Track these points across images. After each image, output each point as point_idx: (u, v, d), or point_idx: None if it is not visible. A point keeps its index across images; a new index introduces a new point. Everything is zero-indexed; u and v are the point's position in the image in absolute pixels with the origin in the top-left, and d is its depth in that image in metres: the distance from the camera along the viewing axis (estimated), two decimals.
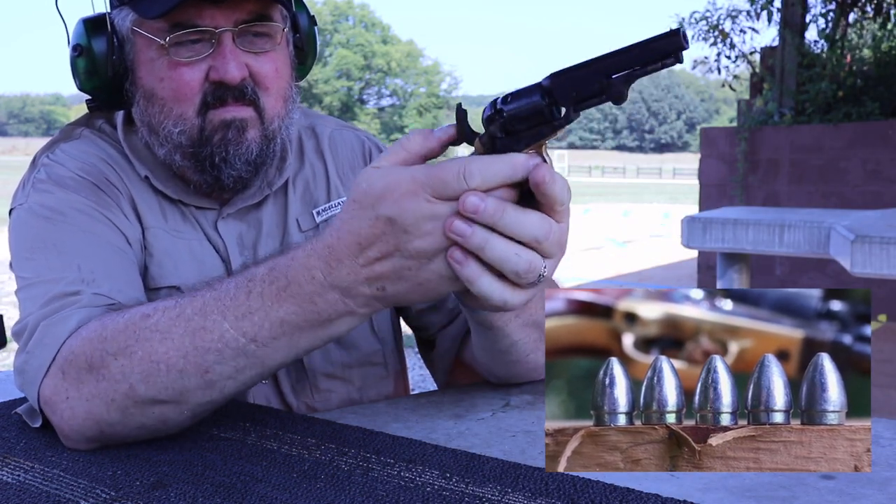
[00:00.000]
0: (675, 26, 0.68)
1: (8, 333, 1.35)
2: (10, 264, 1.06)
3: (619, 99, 0.68)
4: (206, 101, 1.05)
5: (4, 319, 1.71)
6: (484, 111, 0.75)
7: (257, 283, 0.81)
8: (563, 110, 0.71)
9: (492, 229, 0.72)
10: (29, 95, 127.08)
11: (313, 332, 0.81)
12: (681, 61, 0.66)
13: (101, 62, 1.08)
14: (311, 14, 1.19)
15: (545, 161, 0.74)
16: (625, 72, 0.68)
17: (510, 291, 0.75)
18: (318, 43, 1.22)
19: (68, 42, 1.11)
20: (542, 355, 1.04)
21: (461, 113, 0.76)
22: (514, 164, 0.72)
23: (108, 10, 1.10)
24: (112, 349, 0.86)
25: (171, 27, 1.03)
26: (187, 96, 1.05)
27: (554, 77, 0.71)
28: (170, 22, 1.02)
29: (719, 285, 3.72)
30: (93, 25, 1.09)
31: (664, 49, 0.66)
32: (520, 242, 0.73)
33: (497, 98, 0.74)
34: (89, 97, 1.14)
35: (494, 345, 0.98)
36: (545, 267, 0.75)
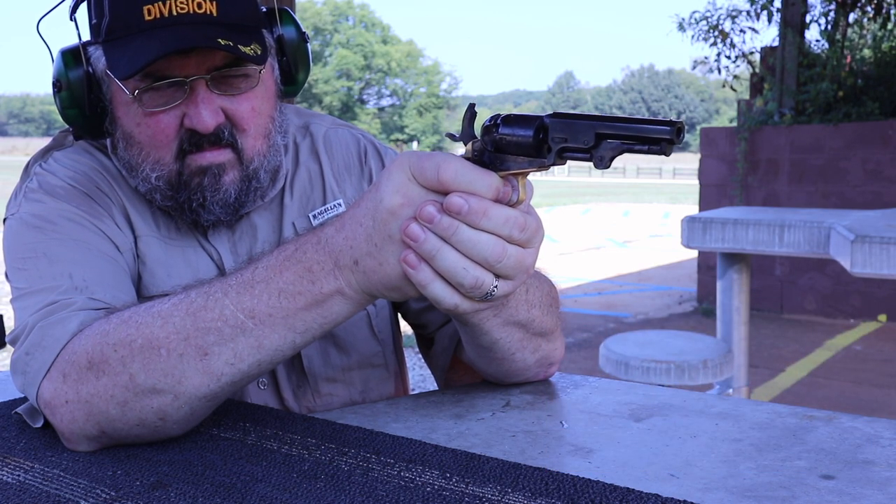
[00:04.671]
0: (674, 117, 0.67)
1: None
2: (6, 274, 1.06)
3: (600, 162, 0.69)
4: (183, 147, 1.05)
5: (4, 319, 1.71)
6: (486, 119, 0.76)
7: (265, 258, 0.85)
8: (550, 153, 0.72)
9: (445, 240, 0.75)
10: (29, 95, 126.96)
11: (308, 312, 0.82)
12: (667, 154, 0.66)
13: (80, 99, 1.08)
14: (302, 29, 1.17)
15: (517, 188, 0.76)
16: (616, 141, 0.68)
17: (460, 297, 0.78)
18: (310, 57, 1.20)
19: (52, 60, 1.11)
20: (533, 355, 1.04)
21: (470, 112, 0.77)
22: (488, 183, 0.75)
23: (80, 42, 1.09)
24: (113, 340, 0.87)
25: (143, 77, 1.02)
26: (164, 143, 1.05)
27: (553, 117, 0.72)
28: (141, 73, 1.01)
29: (719, 285, 3.72)
30: (72, 58, 1.08)
31: (657, 134, 0.65)
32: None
33: (501, 114, 0.75)
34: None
35: (475, 340, 0.98)
36: (496, 286, 0.78)
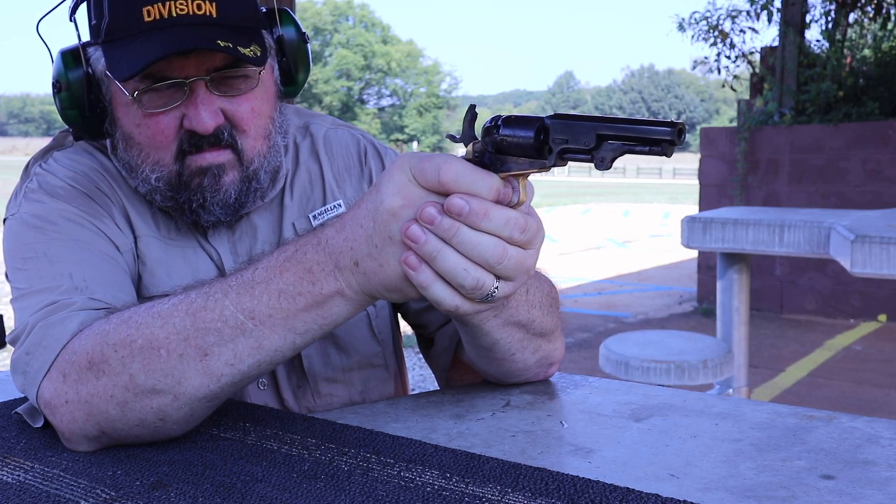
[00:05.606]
0: (674, 118, 0.67)
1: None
2: (6, 274, 1.06)
3: (601, 163, 0.69)
4: (183, 148, 1.05)
5: (4, 319, 1.71)
6: (487, 121, 0.76)
7: (265, 258, 0.85)
8: (551, 154, 0.72)
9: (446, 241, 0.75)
10: (29, 95, 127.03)
11: (308, 313, 0.82)
12: (668, 155, 0.66)
13: (80, 99, 1.08)
14: (302, 30, 1.17)
15: (518, 189, 0.76)
16: (617, 143, 0.68)
17: (460, 299, 0.78)
18: (310, 57, 1.20)
19: (51, 60, 1.11)
20: (533, 355, 1.04)
21: (470, 113, 0.77)
22: (488, 184, 0.75)
23: (80, 42, 1.08)
24: (113, 340, 0.87)
25: (142, 78, 1.01)
26: (163, 144, 1.05)
27: (554, 118, 0.72)
28: (140, 74, 1.00)
29: (719, 285, 3.72)
30: (72, 59, 1.08)
31: (658, 136, 0.65)
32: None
33: (502, 115, 0.75)
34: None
35: (476, 341, 0.98)
36: (496, 287, 0.78)
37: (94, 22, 1.05)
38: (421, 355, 1.34)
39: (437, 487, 0.77)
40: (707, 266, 7.46)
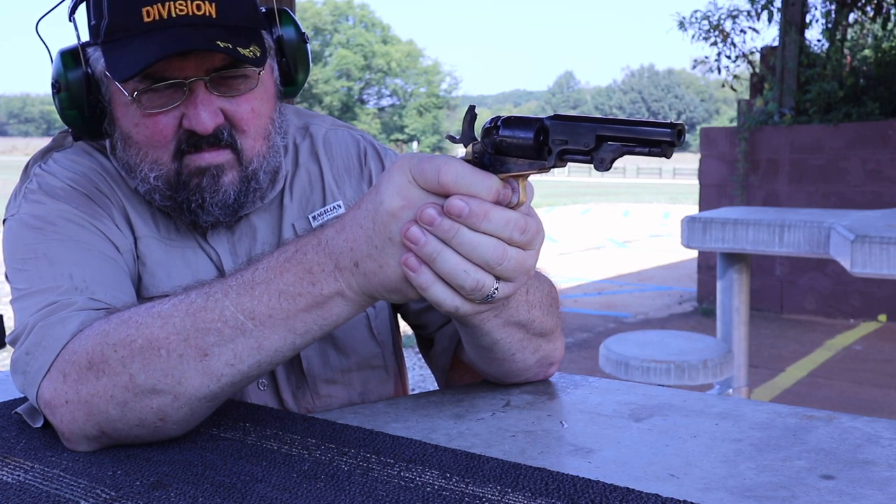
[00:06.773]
0: (675, 119, 0.67)
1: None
2: (6, 275, 1.06)
3: (601, 164, 0.69)
4: (181, 147, 1.05)
5: (4, 319, 1.71)
6: (486, 121, 0.76)
7: (265, 259, 0.85)
8: (550, 155, 0.72)
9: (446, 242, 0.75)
10: (29, 95, 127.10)
11: (308, 313, 0.82)
12: (667, 156, 0.66)
13: (79, 100, 1.08)
14: (302, 30, 1.17)
15: (518, 190, 0.76)
16: (616, 144, 0.68)
17: (460, 300, 0.78)
18: (310, 57, 1.20)
19: (51, 60, 1.11)
20: (533, 355, 1.04)
21: (470, 114, 0.77)
22: (488, 185, 0.75)
23: (79, 42, 1.08)
24: (113, 340, 0.87)
25: (142, 78, 1.01)
26: (162, 143, 1.05)
27: (554, 119, 0.72)
28: (140, 74, 1.00)
29: (719, 285, 3.72)
30: (71, 59, 1.08)
31: (658, 137, 0.66)
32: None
33: (501, 116, 0.75)
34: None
35: (476, 341, 0.98)
36: (496, 288, 0.78)
37: (93, 22, 1.05)
38: (421, 355, 1.33)
39: (437, 487, 0.77)
40: (707, 266, 7.46)
